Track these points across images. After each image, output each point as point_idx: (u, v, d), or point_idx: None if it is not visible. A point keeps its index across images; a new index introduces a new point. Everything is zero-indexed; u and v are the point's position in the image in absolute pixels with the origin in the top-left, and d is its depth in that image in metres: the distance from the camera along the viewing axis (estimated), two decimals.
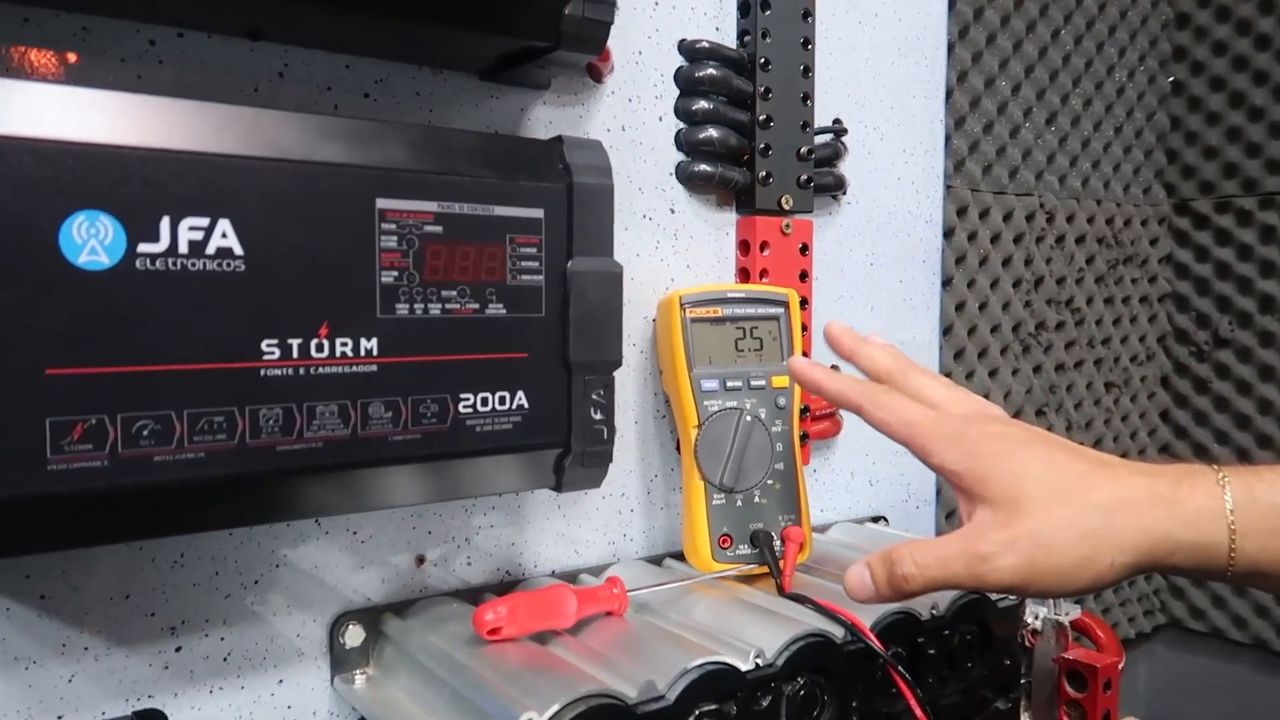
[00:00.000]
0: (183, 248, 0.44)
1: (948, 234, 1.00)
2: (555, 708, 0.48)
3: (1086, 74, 1.17)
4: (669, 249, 0.75)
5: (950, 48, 0.99)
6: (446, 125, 0.63)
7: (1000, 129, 1.08)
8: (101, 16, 0.51)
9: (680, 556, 0.74)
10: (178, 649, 0.56)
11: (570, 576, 0.70)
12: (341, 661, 0.61)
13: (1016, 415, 1.11)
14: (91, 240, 0.42)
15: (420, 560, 0.64)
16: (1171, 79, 1.27)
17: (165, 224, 0.44)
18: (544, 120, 0.67)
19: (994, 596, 0.68)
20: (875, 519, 0.89)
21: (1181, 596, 1.29)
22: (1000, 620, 0.68)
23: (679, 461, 0.75)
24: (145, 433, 0.44)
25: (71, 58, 0.51)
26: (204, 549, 0.56)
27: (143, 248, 0.43)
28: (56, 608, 0.52)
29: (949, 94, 0.98)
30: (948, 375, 1.01)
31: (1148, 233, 1.26)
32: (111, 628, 0.54)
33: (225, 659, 0.57)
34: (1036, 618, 0.71)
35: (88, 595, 0.53)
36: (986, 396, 1.07)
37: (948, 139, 0.98)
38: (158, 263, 0.43)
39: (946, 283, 1.00)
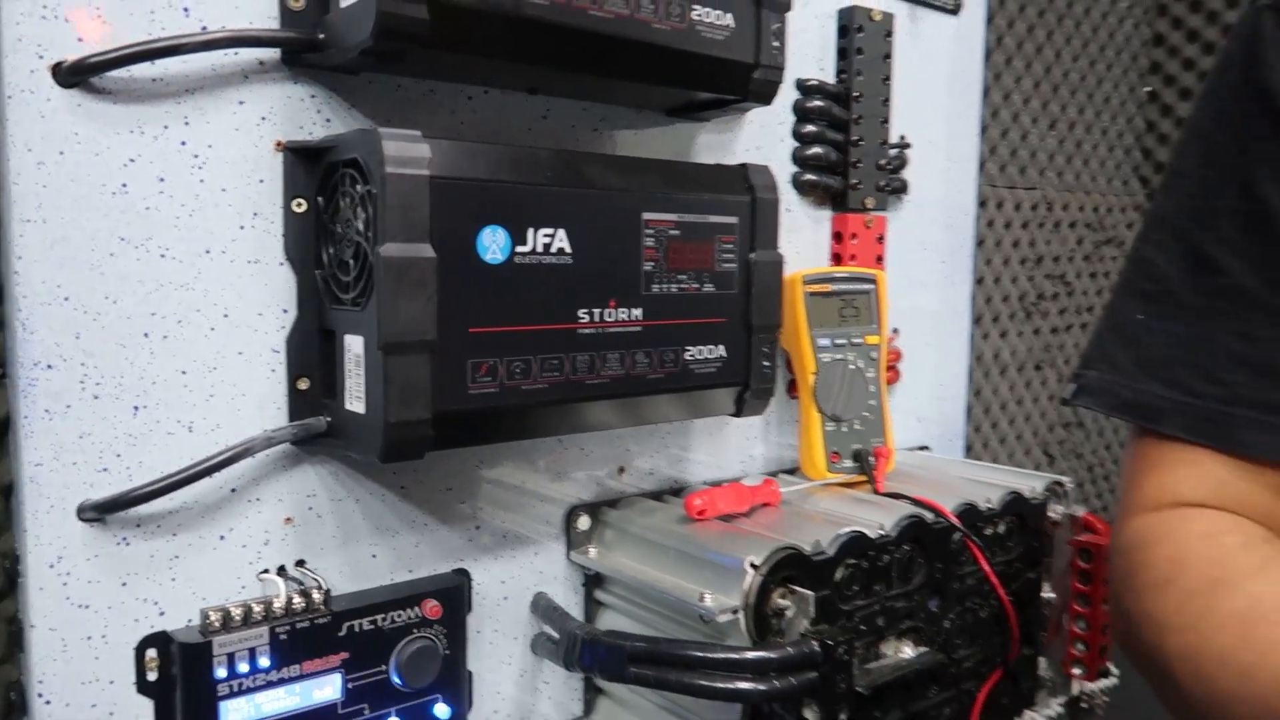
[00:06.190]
0: (539, 248, 0.67)
1: None
2: (765, 553, 0.72)
3: (1080, 87, 1.42)
4: (784, 240, 0.97)
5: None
6: (644, 149, 0.85)
7: (1013, 135, 1.32)
8: (441, 81, 0.73)
9: (790, 471, 0.98)
10: (477, 527, 0.79)
11: (716, 485, 0.94)
12: (574, 541, 0.84)
13: (1020, 370, 1.37)
14: (493, 244, 0.64)
15: (621, 470, 0.88)
16: (1148, 89, 1.52)
17: (531, 232, 0.66)
18: (705, 145, 0.90)
19: (1027, 494, 0.93)
20: (922, 447, 1.14)
21: None
22: (1032, 512, 0.94)
23: (788, 401, 0.99)
24: (517, 370, 0.66)
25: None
26: (494, 458, 0.79)
27: (519, 249, 0.66)
28: (409, 495, 0.75)
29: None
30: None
31: (1125, 219, 1.52)
32: (440, 511, 0.76)
33: (504, 536, 0.80)
34: (1056, 512, 0.96)
35: (427, 487, 0.76)
36: (998, 355, 1.33)
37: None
38: (527, 259, 0.66)
39: None
